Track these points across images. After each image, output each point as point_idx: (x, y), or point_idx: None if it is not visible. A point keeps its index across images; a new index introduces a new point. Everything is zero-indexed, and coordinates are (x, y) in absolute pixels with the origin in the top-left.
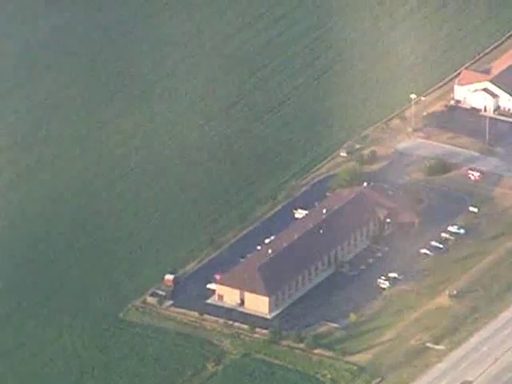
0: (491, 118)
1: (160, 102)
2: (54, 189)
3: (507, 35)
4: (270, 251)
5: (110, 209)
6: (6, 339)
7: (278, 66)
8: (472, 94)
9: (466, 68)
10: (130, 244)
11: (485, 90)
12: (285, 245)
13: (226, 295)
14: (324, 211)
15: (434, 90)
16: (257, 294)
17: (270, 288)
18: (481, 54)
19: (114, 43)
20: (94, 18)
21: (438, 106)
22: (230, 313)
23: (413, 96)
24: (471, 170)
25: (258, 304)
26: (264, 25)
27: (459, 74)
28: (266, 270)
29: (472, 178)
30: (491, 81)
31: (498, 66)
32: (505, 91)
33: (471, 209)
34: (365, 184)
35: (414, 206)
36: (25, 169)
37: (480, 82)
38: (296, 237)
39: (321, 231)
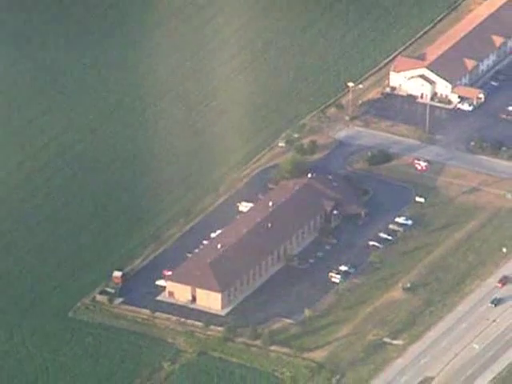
0: (430, 106)
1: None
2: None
3: (438, 19)
4: (219, 246)
5: (52, 205)
6: None
7: (210, 54)
8: (408, 80)
9: (400, 54)
10: (74, 242)
11: (421, 76)
12: (234, 239)
13: (177, 292)
14: (270, 204)
15: (368, 77)
16: (209, 290)
17: (222, 284)
18: (412, 40)
19: None
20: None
21: (373, 94)
22: (181, 310)
23: (350, 84)
24: (417, 159)
25: (210, 300)
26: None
27: (393, 60)
28: (218, 265)
29: (419, 167)
30: (428, 67)
31: (433, 52)
32: (441, 77)
33: (417, 199)
34: (309, 175)
35: (360, 197)
36: None
37: (416, 68)
38: (244, 231)
39: (269, 225)
